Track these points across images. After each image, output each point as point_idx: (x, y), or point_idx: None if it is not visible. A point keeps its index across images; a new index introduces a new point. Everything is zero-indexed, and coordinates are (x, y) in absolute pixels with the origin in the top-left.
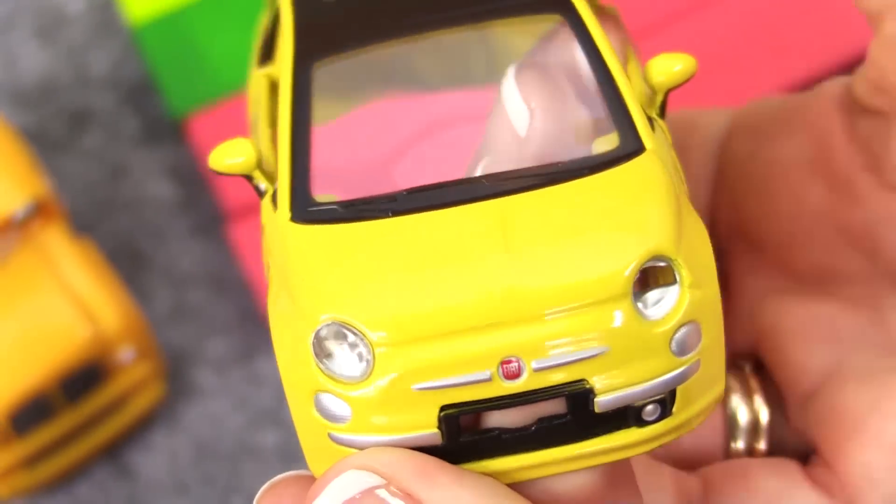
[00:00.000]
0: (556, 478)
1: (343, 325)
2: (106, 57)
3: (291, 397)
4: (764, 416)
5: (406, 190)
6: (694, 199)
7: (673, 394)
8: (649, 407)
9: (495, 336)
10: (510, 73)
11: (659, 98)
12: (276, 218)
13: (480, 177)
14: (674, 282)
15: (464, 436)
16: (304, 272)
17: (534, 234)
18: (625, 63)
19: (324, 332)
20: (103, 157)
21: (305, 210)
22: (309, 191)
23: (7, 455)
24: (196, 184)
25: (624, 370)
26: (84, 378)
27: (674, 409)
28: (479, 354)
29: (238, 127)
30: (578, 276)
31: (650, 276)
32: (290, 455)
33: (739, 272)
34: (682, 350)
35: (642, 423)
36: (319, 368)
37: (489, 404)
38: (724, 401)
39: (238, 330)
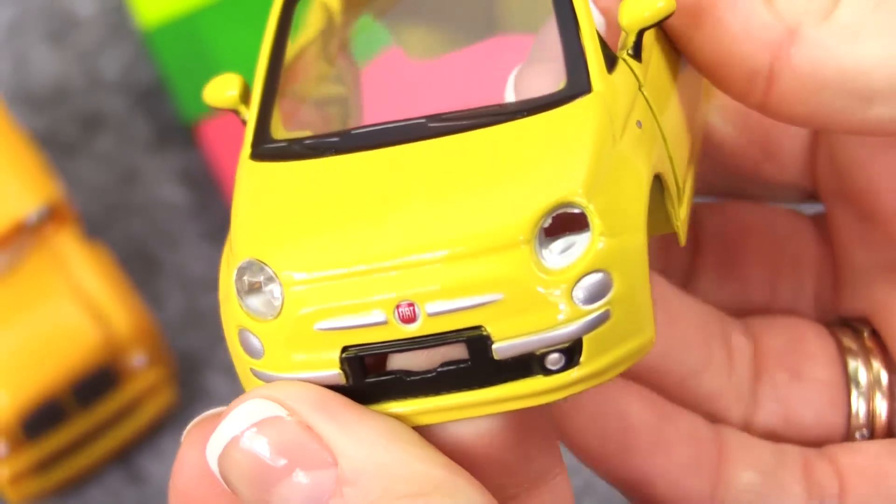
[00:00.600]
0: (462, 423)
1: (260, 263)
2: (117, 60)
3: (225, 331)
4: (884, 378)
5: (351, 129)
6: (785, 153)
7: (579, 343)
8: (553, 356)
9: (391, 280)
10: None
11: (630, 38)
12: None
13: (423, 117)
14: (587, 229)
15: (369, 377)
16: (238, 211)
17: (451, 178)
18: None
19: (244, 271)
20: (115, 161)
21: (261, 147)
22: (269, 129)
23: (19, 460)
24: (208, 188)
25: (520, 318)
26: (96, 383)
27: (581, 360)
28: (375, 297)
29: None
30: (479, 222)
31: (567, 223)
32: None
33: (847, 240)
34: (588, 299)
35: (547, 371)
36: (240, 305)
37: (386, 347)
38: (843, 364)
39: None
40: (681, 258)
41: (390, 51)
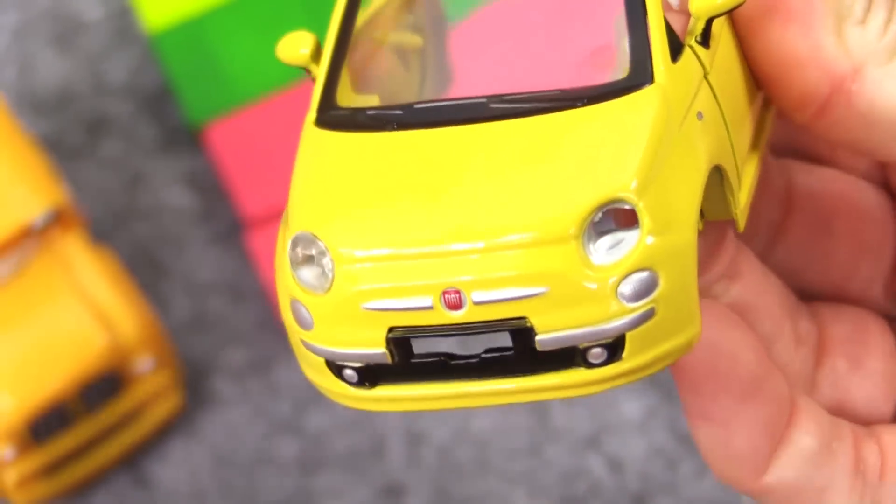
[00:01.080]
0: None
1: (313, 237)
2: (124, 65)
3: (279, 300)
4: None
5: (414, 103)
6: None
7: (623, 339)
8: (595, 350)
9: (440, 265)
10: None
11: (699, 25)
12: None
13: (486, 97)
14: (636, 226)
15: (414, 357)
16: (297, 181)
17: (505, 166)
18: None
19: (297, 242)
20: (121, 165)
21: (326, 113)
22: (335, 94)
23: (26, 463)
24: (214, 192)
25: (564, 312)
26: (103, 387)
27: (624, 355)
28: (423, 281)
29: (257, 135)
30: (528, 213)
31: (618, 217)
32: (310, 464)
33: None
34: (633, 297)
35: (590, 364)
36: (292, 276)
37: (431, 331)
38: None
39: (256, 339)
40: (772, 214)
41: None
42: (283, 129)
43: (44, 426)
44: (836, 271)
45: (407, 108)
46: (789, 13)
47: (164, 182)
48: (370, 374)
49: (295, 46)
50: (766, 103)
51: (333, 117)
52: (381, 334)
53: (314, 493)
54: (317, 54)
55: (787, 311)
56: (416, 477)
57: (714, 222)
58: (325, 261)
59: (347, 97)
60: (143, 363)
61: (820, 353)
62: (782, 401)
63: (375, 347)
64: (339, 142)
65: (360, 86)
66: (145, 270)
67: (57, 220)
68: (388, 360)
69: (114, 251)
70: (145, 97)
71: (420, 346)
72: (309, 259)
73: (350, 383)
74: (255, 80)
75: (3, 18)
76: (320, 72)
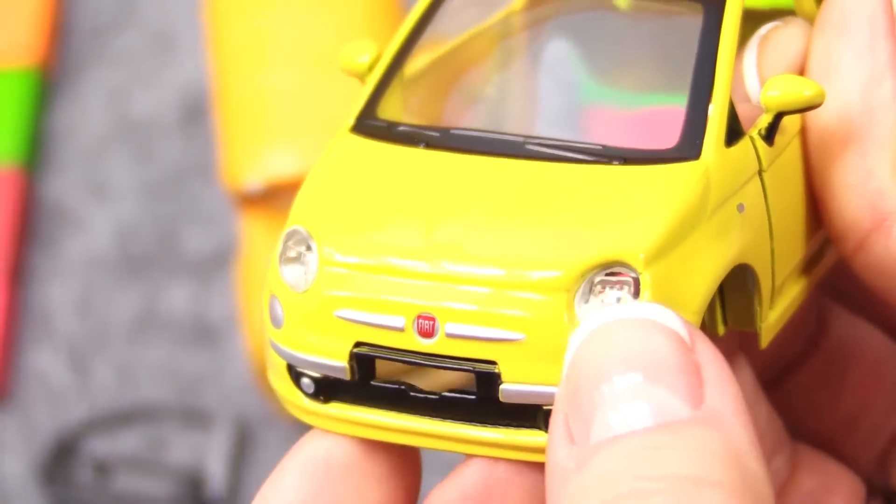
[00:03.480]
0: None
1: (306, 233)
2: None
3: (264, 294)
4: None
5: (452, 128)
6: None
7: None
8: None
9: (421, 287)
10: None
11: (766, 118)
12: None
13: (525, 136)
14: (635, 295)
15: (374, 380)
16: (311, 177)
17: (520, 204)
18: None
19: (290, 236)
20: None
21: (363, 122)
22: (377, 106)
23: None
24: None
25: (536, 366)
26: None
27: None
28: (400, 301)
29: None
30: (526, 255)
31: (617, 282)
32: None
33: None
34: None
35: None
36: (277, 270)
37: (396, 356)
38: None
39: None
40: (795, 346)
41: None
42: None
43: None
44: (835, 423)
45: (443, 131)
46: (851, 134)
47: None
48: (327, 388)
49: (356, 54)
50: None
51: (368, 126)
52: (347, 347)
53: None
54: (374, 66)
55: (764, 445)
56: None
57: (734, 332)
58: (311, 259)
59: (394, 113)
60: None
61: (782, 493)
62: None
63: (337, 359)
64: (364, 149)
65: (415, 110)
66: None
67: None
68: (348, 375)
69: None
70: None
71: (382, 368)
72: (298, 256)
73: (305, 393)
74: None
75: None
76: (369, 81)
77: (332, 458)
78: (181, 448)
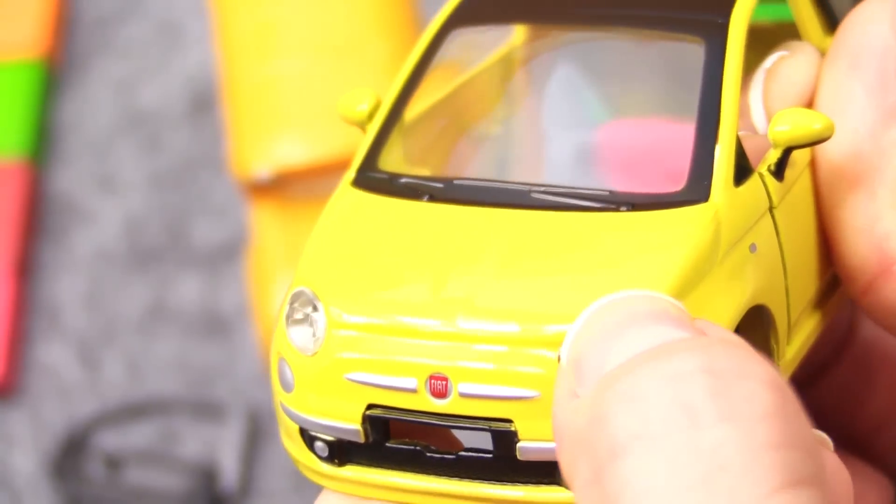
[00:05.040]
0: None
1: (312, 295)
2: None
3: (271, 356)
4: None
5: (454, 179)
6: None
7: None
8: None
9: (433, 347)
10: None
11: (775, 154)
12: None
13: (529, 184)
14: None
15: (390, 441)
16: (315, 235)
17: (528, 258)
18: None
19: (296, 297)
20: None
21: (364, 174)
22: (378, 156)
23: None
24: None
25: (552, 423)
26: None
27: None
28: (411, 362)
29: None
30: (537, 310)
31: None
32: None
33: None
34: None
35: None
36: (285, 333)
37: (410, 417)
38: None
39: None
40: (824, 352)
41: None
42: None
43: None
44: (865, 425)
45: (446, 182)
46: (860, 175)
47: None
48: (341, 451)
49: (354, 102)
50: None
51: (370, 179)
52: (359, 410)
53: None
54: (374, 115)
55: None
56: None
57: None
58: (319, 322)
59: (395, 163)
60: None
61: None
62: None
63: (350, 423)
64: (367, 204)
65: (418, 158)
66: None
67: None
68: (362, 438)
69: None
70: None
71: (396, 428)
72: (305, 318)
73: (320, 457)
74: None
75: None
76: (369, 131)
77: None
78: (193, 441)
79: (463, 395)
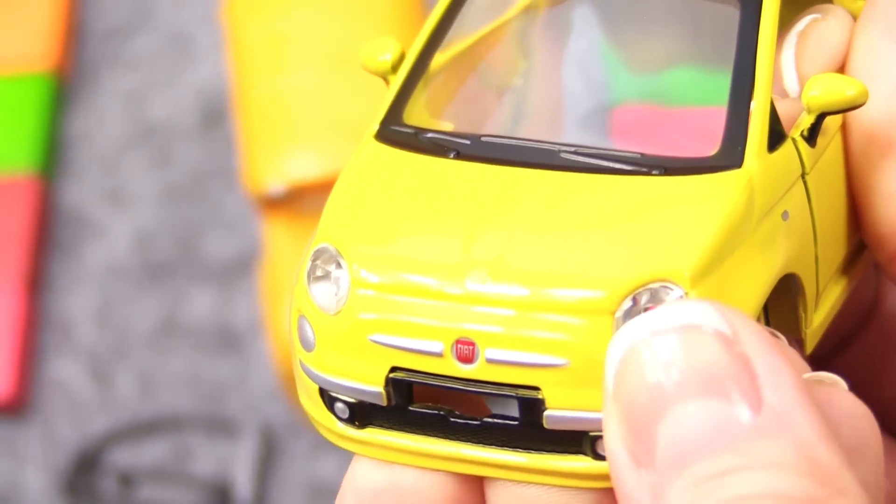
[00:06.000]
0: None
1: (336, 253)
2: None
3: (289, 314)
4: None
5: (481, 136)
6: None
7: None
8: None
9: (461, 310)
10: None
11: (808, 119)
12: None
13: (558, 144)
14: None
15: (413, 405)
16: (338, 190)
17: (558, 221)
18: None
19: (319, 254)
20: None
21: (388, 128)
22: (402, 110)
23: None
24: None
25: (581, 391)
26: None
27: None
28: (438, 325)
29: None
30: (568, 275)
31: (663, 303)
32: None
33: None
34: None
35: (598, 456)
36: (306, 290)
37: (435, 382)
38: None
39: None
40: (848, 324)
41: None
42: None
43: None
44: (888, 397)
45: (473, 139)
46: (893, 142)
47: None
48: (362, 413)
49: (377, 52)
50: None
51: (395, 133)
52: (383, 372)
53: None
54: (398, 65)
55: None
56: None
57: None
58: (342, 280)
59: (420, 117)
60: None
61: None
62: None
63: (373, 385)
64: (392, 160)
65: (441, 111)
66: None
67: None
68: (384, 401)
69: None
70: None
71: (418, 392)
72: (327, 275)
73: (339, 418)
74: None
75: None
76: (393, 84)
77: (390, 485)
78: (206, 457)
79: (490, 361)
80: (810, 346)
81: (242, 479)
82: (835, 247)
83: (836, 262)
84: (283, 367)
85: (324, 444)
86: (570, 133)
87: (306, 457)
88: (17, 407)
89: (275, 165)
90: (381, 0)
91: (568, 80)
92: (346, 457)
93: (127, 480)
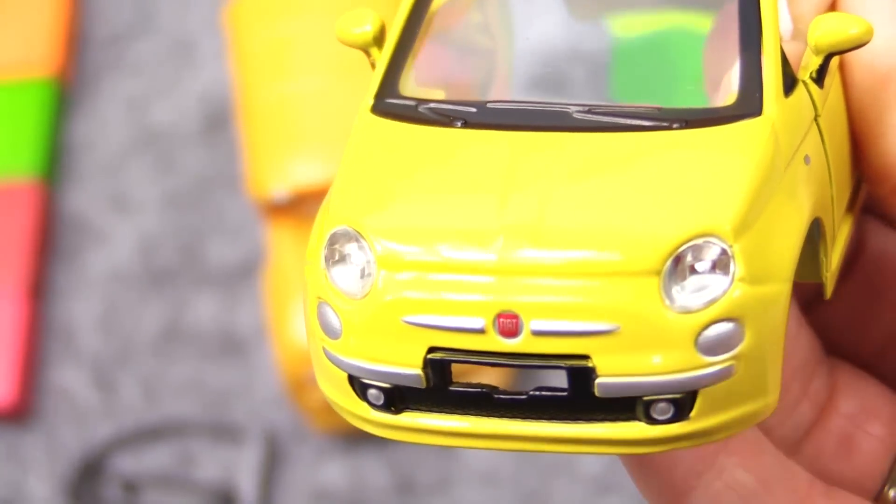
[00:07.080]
0: None
1: (356, 233)
2: None
3: (304, 299)
4: None
5: (487, 102)
6: None
7: (693, 396)
8: (662, 404)
9: (499, 283)
10: None
11: (816, 60)
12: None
13: (571, 104)
14: (727, 271)
15: (454, 384)
16: (345, 169)
17: (586, 183)
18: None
19: (337, 238)
20: None
21: (385, 101)
22: (398, 81)
23: None
24: None
25: (632, 356)
26: None
27: (692, 414)
28: (477, 300)
29: None
30: (608, 237)
31: (709, 258)
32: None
33: None
34: (712, 350)
35: (652, 420)
36: (325, 274)
37: (478, 358)
38: None
39: None
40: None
41: (552, 8)
42: None
43: None
44: (873, 341)
45: (479, 105)
46: (894, 74)
47: None
48: (398, 398)
49: (352, 24)
50: None
51: (394, 106)
52: (420, 354)
53: None
54: (380, 37)
55: (804, 365)
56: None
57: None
58: (366, 262)
59: (409, 88)
60: None
61: (820, 417)
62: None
63: (410, 368)
64: (399, 133)
65: (421, 78)
66: None
67: None
68: (423, 384)
69: None
70: None
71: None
72: (347, 258)
73: (373, 405)
74: None
75: None
76: (384, 54)
77: None
78: (210, 464)
79: (536, 333)
80: (830, 287)
81: (247, 486)
82: (844, 187)
83: (845, 201)
84: (287, 373)
85: (328, 450)
86: (574, 87)
87: (311, 463)
88: (21, 414)
89: (278, 171)
90: (384, 6)
91: (564, 30)
92: (351, 463)
93: (131, 487)
